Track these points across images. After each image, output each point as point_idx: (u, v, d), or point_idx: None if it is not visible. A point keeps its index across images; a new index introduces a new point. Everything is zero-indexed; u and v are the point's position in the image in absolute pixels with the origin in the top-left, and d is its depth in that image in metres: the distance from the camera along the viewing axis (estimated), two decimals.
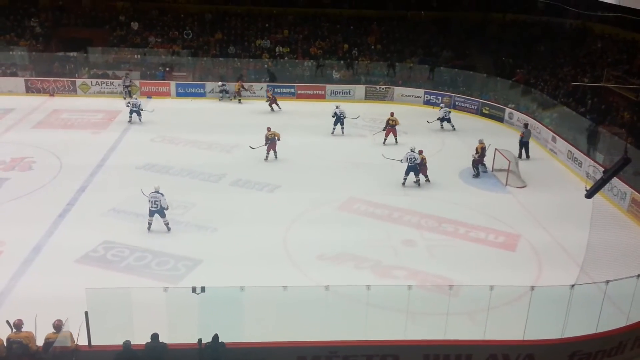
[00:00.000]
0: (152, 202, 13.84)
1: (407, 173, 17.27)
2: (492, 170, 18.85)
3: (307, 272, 12.63)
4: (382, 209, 15.83)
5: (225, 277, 11.48)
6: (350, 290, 10.20)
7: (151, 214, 13.93)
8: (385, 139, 21.07)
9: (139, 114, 22.60)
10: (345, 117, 21.92)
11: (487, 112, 25.71)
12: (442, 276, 12.52)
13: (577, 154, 19.42)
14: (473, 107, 26.21)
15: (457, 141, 22.12)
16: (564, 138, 20.67)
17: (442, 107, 23.74)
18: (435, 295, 11.13)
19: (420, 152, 17.33)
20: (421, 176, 17.50)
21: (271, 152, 19.09)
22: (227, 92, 26.67)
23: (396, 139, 21.08)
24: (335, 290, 9.73)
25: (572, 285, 9.70)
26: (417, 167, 17.13)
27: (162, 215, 13.96)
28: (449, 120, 23.24)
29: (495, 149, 18.74)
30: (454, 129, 23.30)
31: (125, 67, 27.97)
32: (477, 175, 18.40)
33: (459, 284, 11.58)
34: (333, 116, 22.04)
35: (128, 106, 22.79)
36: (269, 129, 19.13)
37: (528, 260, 13.63)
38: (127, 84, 26.27)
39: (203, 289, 9.17)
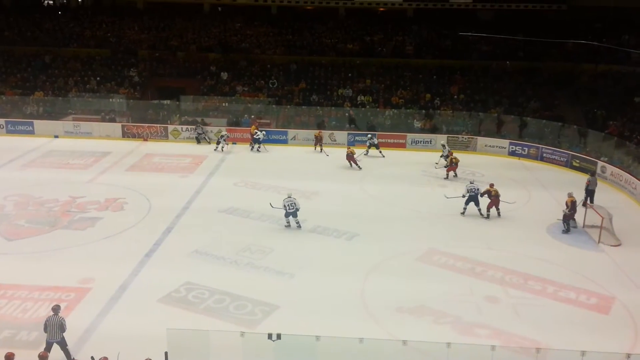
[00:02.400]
0: (288, 205, 16.63)
1: (467, 203, 18.34)
2: (584, 226, 17.77)
3: (384, 324, 12.29)
4: (464, 262, 15.28)
5: (301, 325, 11.46)
6: (429, 347, 9.85)
7: (287, 215, 16.82)
8: (447, 175, 22.70)
9: (258, 142, 26.26)
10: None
11: (577, 164, 24.53)
12: (528, 337, 11.79)
13: None
14: (562, 159, 25.15)
15: (544, 193, 21.18)
16: None
17: (445, 147, 24.87)
18: (521, 358, 10.51)
19: (492, 185, 18.33)
20: (493, 209, 18.23)
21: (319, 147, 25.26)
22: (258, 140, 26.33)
23: (455, 173, 22.69)
24: (413, 346, 9.39)
25: None
26: (477, 197, 18.16)
27: (295, 215, 16.86)
28: (445, 158, 24.57)
29: (587, 204, 17.72)
30: (443, 157, 24.25)
31: (213, 114, 29.38)
32: (567, 230, 17.39)
33: (546, 346, 10.85)
34: (369, 146, 26.10)
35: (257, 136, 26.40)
36: (349, 148, 24.53)
37: (623, 325, 12.56)
38: (199, 132, 27.49)
39: (279, 336, 9.18)
